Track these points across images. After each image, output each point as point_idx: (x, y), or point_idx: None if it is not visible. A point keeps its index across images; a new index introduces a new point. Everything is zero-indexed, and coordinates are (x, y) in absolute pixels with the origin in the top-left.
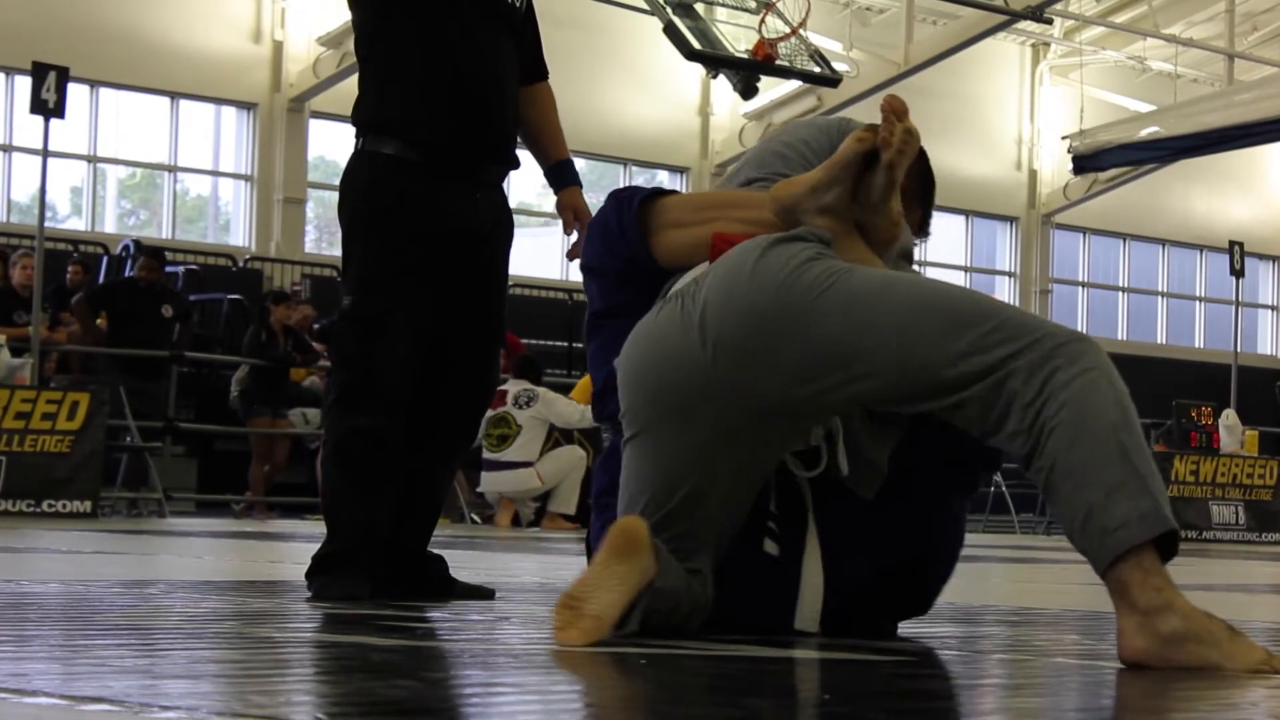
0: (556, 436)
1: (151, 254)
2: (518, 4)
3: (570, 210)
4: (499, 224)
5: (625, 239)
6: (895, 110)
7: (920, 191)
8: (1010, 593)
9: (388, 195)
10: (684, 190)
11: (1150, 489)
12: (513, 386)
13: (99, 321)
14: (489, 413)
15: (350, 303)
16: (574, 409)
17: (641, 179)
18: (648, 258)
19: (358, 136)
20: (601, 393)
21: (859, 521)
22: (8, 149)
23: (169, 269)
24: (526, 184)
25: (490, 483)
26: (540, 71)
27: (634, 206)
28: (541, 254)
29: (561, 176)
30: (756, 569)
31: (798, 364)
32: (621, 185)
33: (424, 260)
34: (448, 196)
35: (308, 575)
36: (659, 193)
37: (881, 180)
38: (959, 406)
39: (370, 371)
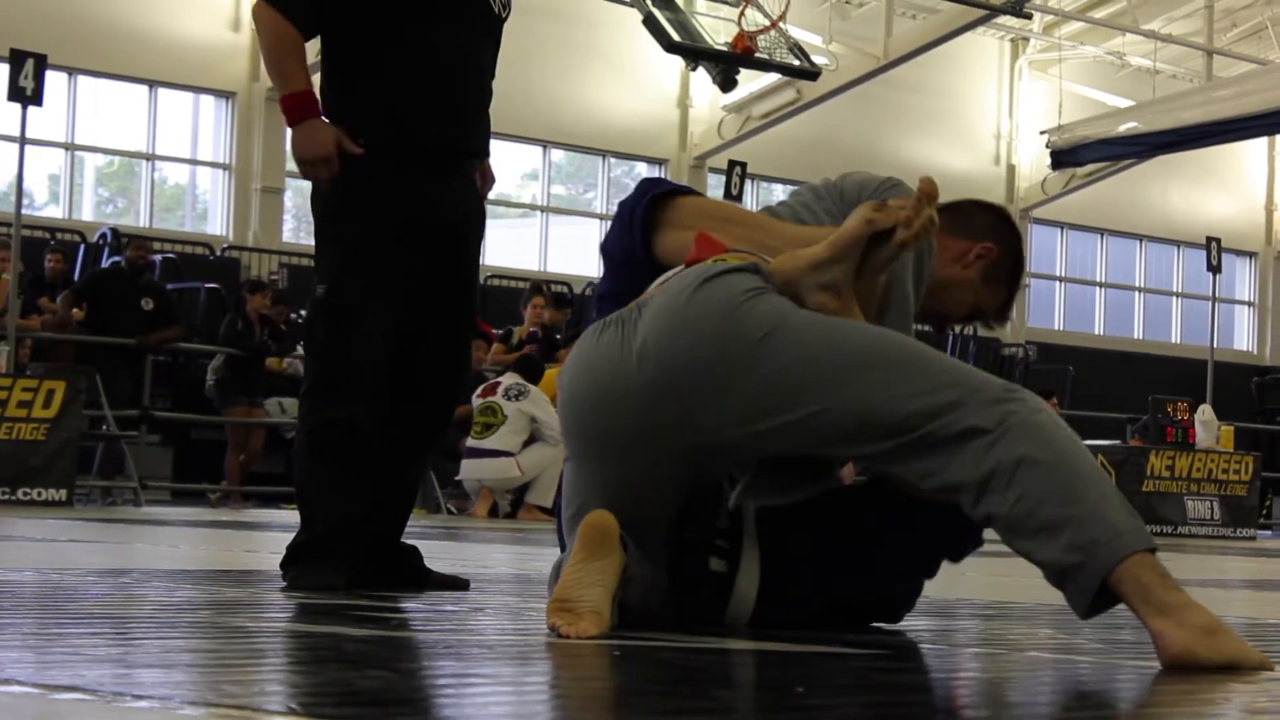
0: (535, 432)
1: (139, 240)
2: (504, 15)
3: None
4: (472, 216)
5: (630, 228)
6: (930, 195)
7: (1008, 276)
8: (984, 587)
9: (362, 185)
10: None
11: (1128, 509)
12: (507, 379)
13: (75, 311)
14: (477, 401)
15: (324, 292)
16: (559, 429)
17: (619, 171)
18: (643, 252)
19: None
20: None
21: (801, 542)
22: None
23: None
24: (503, 175)
25: (470, 470)
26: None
27: (646, 200)
28: (518, 244)
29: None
30: (703, 584)
31: (741, 406)
32: (600, 177)
33: (398, 251)
34: (423, 188)
35: (282, 565)
36: (679, 191)
37: (886, 256)
38: (909, 448)
39: (343, 361)
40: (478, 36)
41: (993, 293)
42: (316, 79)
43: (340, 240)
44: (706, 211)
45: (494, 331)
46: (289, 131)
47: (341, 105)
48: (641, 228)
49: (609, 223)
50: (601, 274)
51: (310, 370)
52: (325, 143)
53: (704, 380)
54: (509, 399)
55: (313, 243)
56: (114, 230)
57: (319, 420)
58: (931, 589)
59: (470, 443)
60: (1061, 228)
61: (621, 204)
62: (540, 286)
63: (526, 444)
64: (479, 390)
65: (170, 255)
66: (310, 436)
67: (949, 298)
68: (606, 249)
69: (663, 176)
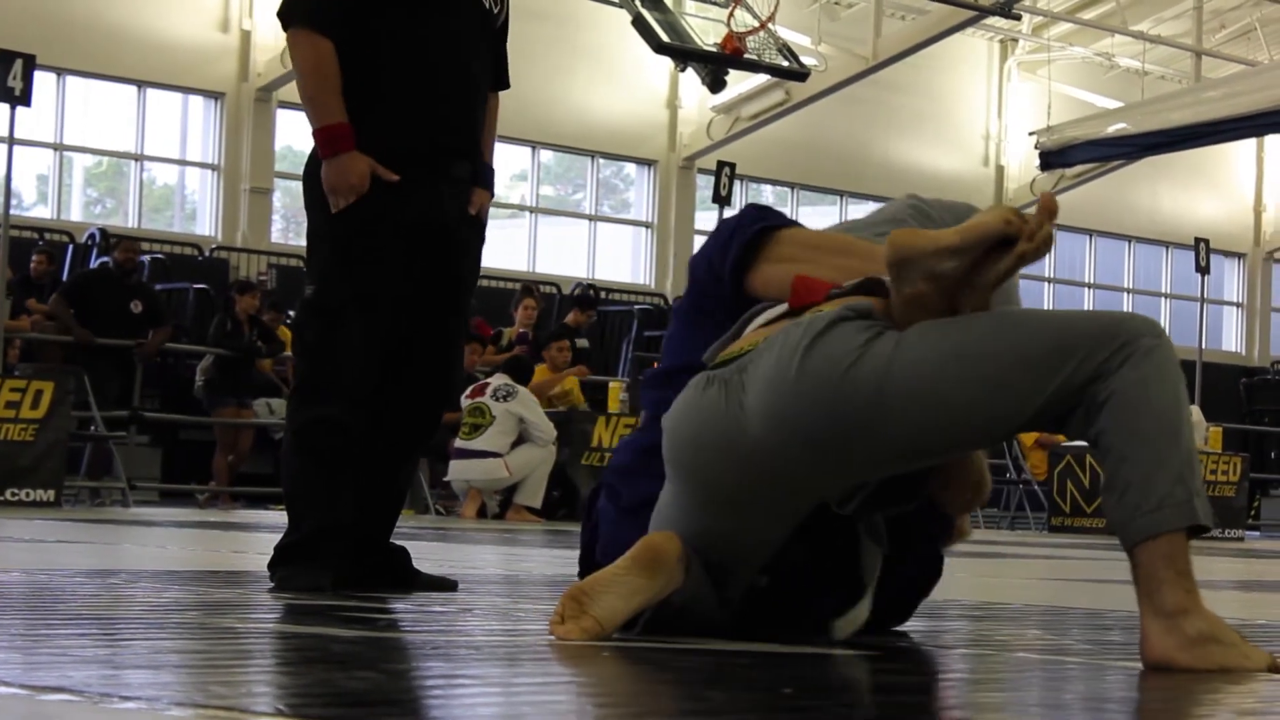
0: (524, 433)
1: (128, 240)
2: (496, 12)
3: (474, 206)
4: (464, 219)
5: (724, 254)
6: (1051, 212)
7: None
8: (973, 588)
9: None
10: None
11: (1186, 480)
12: (496, 379)
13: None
14: (466, 401)
15: (312, 292)
16: (547, 431)
17: (608, 171)
18: (730, 284)
19: None
20: (651, 380)
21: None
22: None
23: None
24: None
25: (458, 470)
26: (501, 83)
27: (755, 230)
28: (506, 245)
29: (478, 177)
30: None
31: (862, 463)
32: (588, 178)
33: (388, 251)
34: (413, 190)
35: (270, 566)
36: (785, 224)
37: (1005, 267)
38: (1026, 429)
39: (331, 362)
40: (469, 33)
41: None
42: None
43: (331, 241)
44: (810, 242)
45: (489, 329)
46: (278, 133)
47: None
48: (736, 261)
49: (598, 224)
50: (686, 288)
51: (299, 370)
52: (361, 175)
53: (826, 450)
54: (497, 400)
55: (301, 243)
56: (102, 231)
57: (306, 420)
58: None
59: (458, 443)
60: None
61: (723, 223)
62: (531, 288)
63: (515, 445)
64: (468, 391)
65: (159, 256)
66: (298, 436)
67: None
68: (694, 268)
69: (770, 206)
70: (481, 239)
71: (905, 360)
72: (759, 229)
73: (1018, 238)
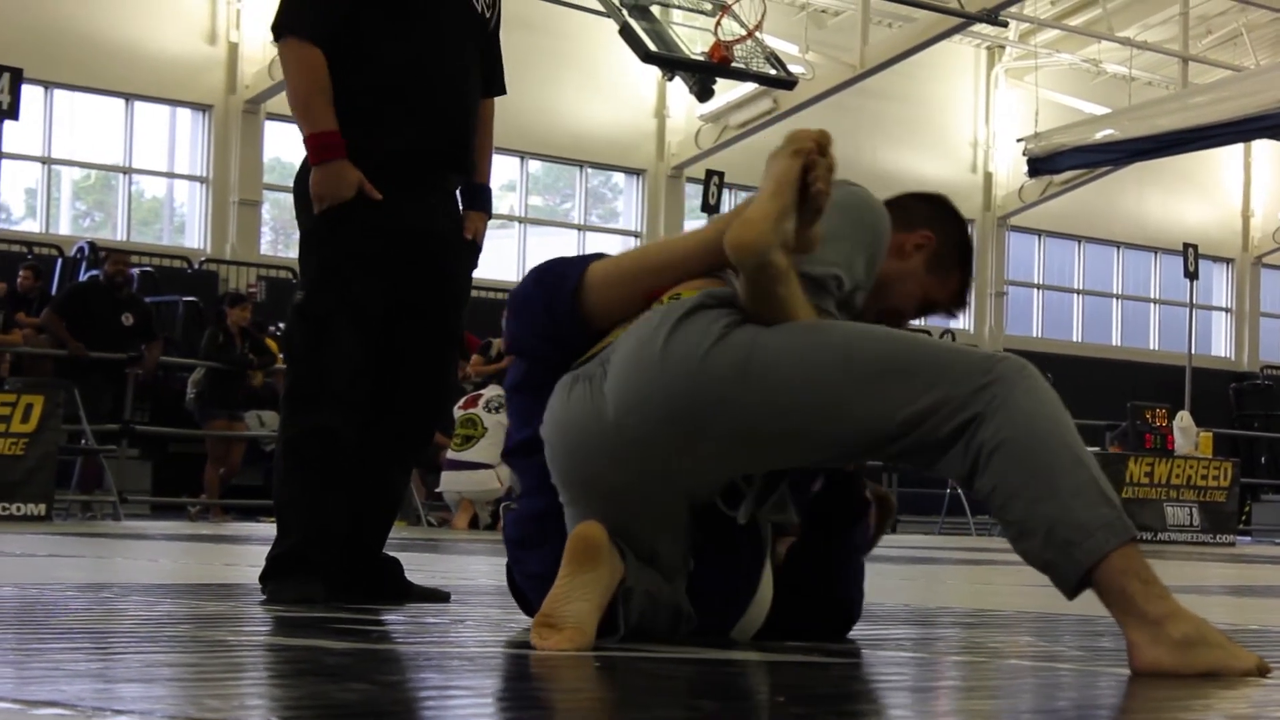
0: None
1: (118, 253)
2: (488, 15)
3: (470, 231)
4: (455, 229)
5: (554, 321)
6: (820, 141)
7: (955, 262)
8: (965, 595)
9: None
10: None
11: (1107, 496)
12: (489, 390)
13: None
14: (459, 412)
15: (301, 300)
16: None
17: (597, 181)
18: (578, 336)
19: None
20: (517, 452)
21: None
22: None
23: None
24: None
25: (450, 482)
26: (495, 88)
27: (566, 297)
28: (496, 255)
29: (474, 199)
30: (716, 595)
31: (723, 452)
32: (577, 188)
33: (377, 260)
34: (403, 199)
35: (261, 578)
36: (585, 268)
37: (814, 208)
38: (902, 453)
39: (321, 369)
40: (459, 42)
41: (941, 282)
42: None
43: (320, 249)
44: (624, 272)
45: (477, 341)
46: (266, 145)
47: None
48: (571, 321)
49: (587, 234)
50: (510, 368)
51: (289, 377)
52: (349, 184)
53: (687, 428)
54: (489, 411)
55: (291, 255)
56: (91, 244)
57: (297, 428)
58: (912, 598)
59: (450, 455)
60: (1039, 235)
61: (517, 299)
62: None
63: None
64: (460, 402)
65: (148, 269)
66: (288, 445)
67: (894, 292)
68: (514, 342)
69: (557, 257)
70: (475, 256)
71: (771, 344)
72: (571, 288)
73: (812, 166)
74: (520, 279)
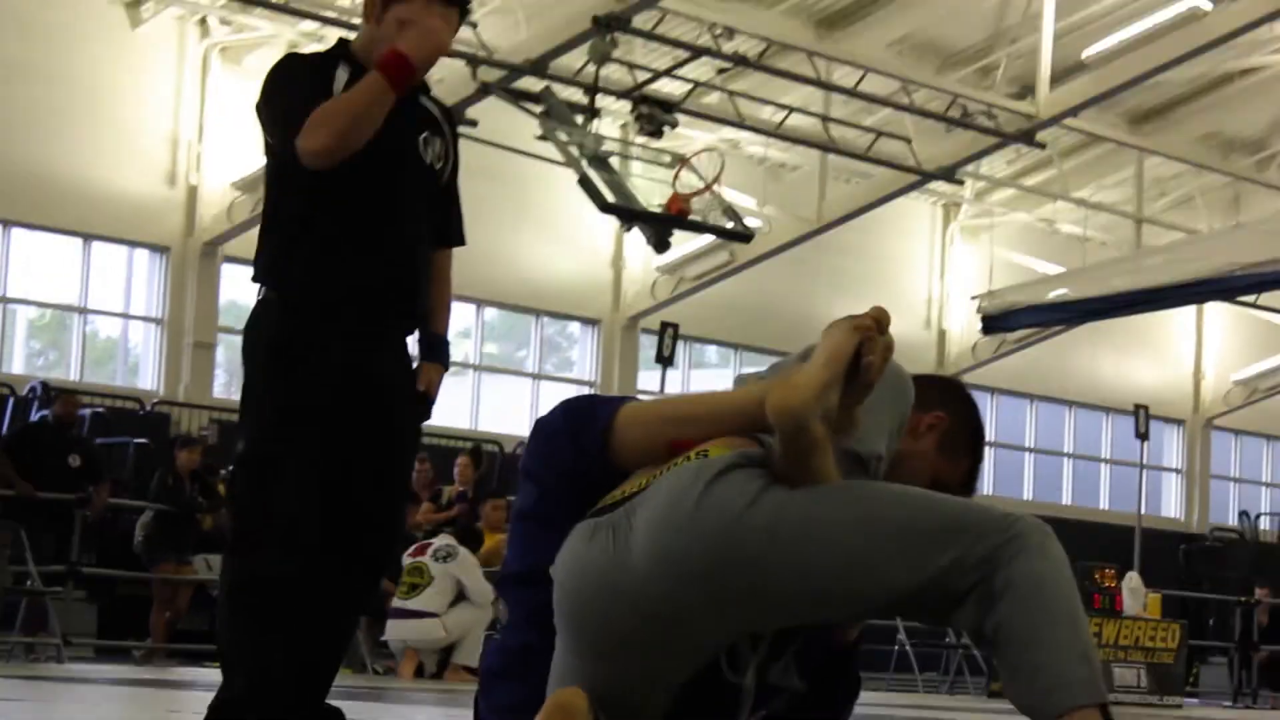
0: (463, 592)
1: (68, 394)
2: (439, 167)
3: (424, 383)
4: (401, 376)
5: (579, 455)
6: (880, 320)
7: (966, 445)
8: None
9: (289, 343)
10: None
11: (1089, 658)
12: (439, 540)
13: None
14: (406, 560)
15: (245, 446)
16: (486, 591)
17: (552, 330)
18: (601, 475)
19: (260, 285)
20: (510, 581)
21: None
22: None
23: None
24: None
25: (395, 630)
26: (454, 238)
27: (596, 435)
28: (450, 401)
29: (431, 350)
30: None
31: (748, 610)
32: (532, 336)
33: (323, 408)
34: (350, 347)
35: None
36: (618, 408)
37: (863, 383)
38: (917, 611)
39: (264, 516)
40: (410, 192)
41: (952, 464)
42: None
43: (265, 398)
44: (661, 416)
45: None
46: (223, 287)
47: (273, 268)
48: (603, 432)
49: (541, 382)
50: (523, 491)
51: (233, 525)
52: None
53: (717, 586)
54: (438, 560)
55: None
56: (44, 384)
57: (240, 575)
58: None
59: (396, 603)
60: (991, 393)
61: (541, 428)
62: (476, 449)
63: (452, 604)
64: (410, 550)
65: (100, 410)
66: (231, 592)
67: (904, 470)
68: (531, 470)
69: (587, 394)
70: (427, 408)
71: (801, 506)
72: (615, 406)
73: (869, 341)
74: (475, 426)
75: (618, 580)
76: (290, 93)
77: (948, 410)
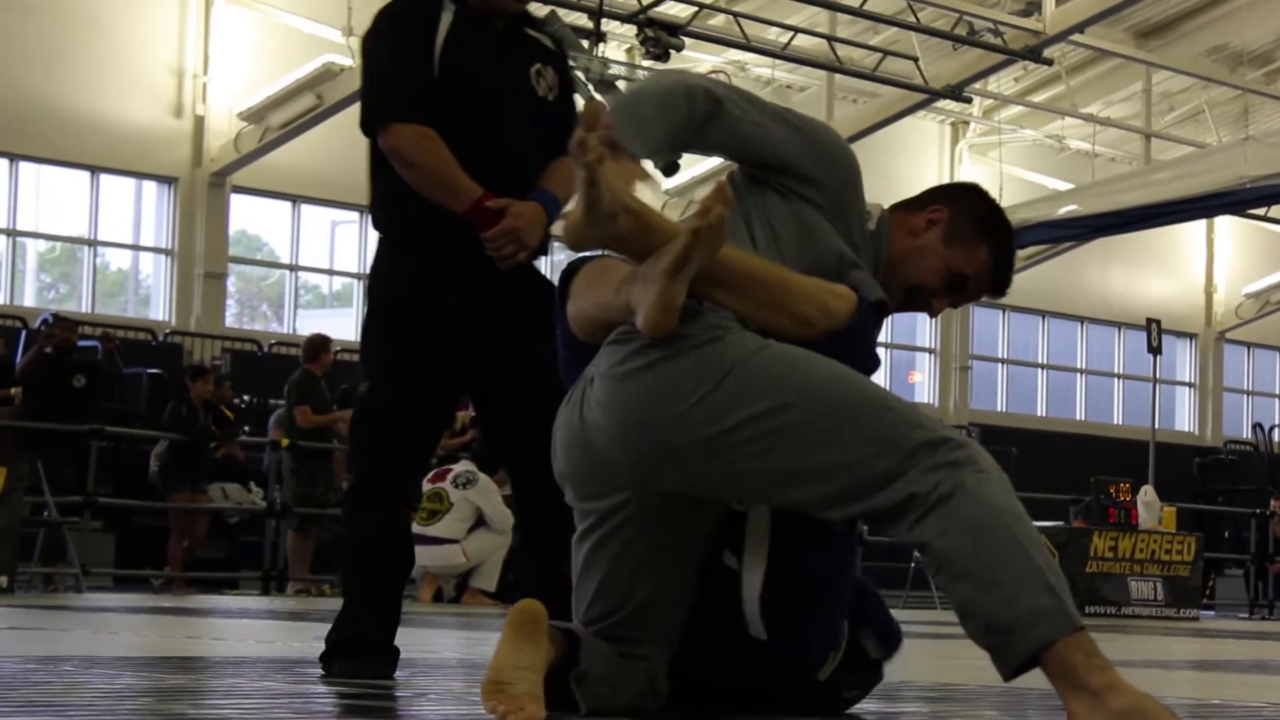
0: (482, 517)
1: (60, 319)
2: (551, 99)
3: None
4: (520, 309)
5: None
6: (722, 196)
7: (978, 232)
8: (929, 669)
9: (402, 289)
10: None
11: (1051, 586)
12: (459, 466)
13: (12, 391)
14: (426, 486)
15: (367, 391)
16: (505, 517)
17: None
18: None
19: (380, 230)
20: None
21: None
22: None
23: (88, 343)
24: None
25: (415, 557)
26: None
27: (560, 286)
28: None
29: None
30: (717, 581)
31: (691, 473)
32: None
33: (435, 356)
34: (463, 291)
35: (326, 657)
36: (579, 266)
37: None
38: (855, 513)
39: (384, 466)
40: (520, 130)
41: (965, 254)
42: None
43: (385, 339)
44: (588, 276)
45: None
46: (232, 217)
47: (382, 213)
48: (563, 306)
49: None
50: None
51: (353, 470)
52: (534, 218)
53: (656, 439)
54: (457, 487)
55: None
56: (55, 316)
57: (366, 526)
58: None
59: (415, 529)
60: (1003, 310)
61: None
62: None
63: (471, 529)
64: (429, 475)
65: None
66: (358, 540)
67: (913, 268)
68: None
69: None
70: (535, 332)
71: (759, 359)
72: (563, 278)
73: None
74: None
75: (579, 432)
76: (381, 54)
77: (946, 203)
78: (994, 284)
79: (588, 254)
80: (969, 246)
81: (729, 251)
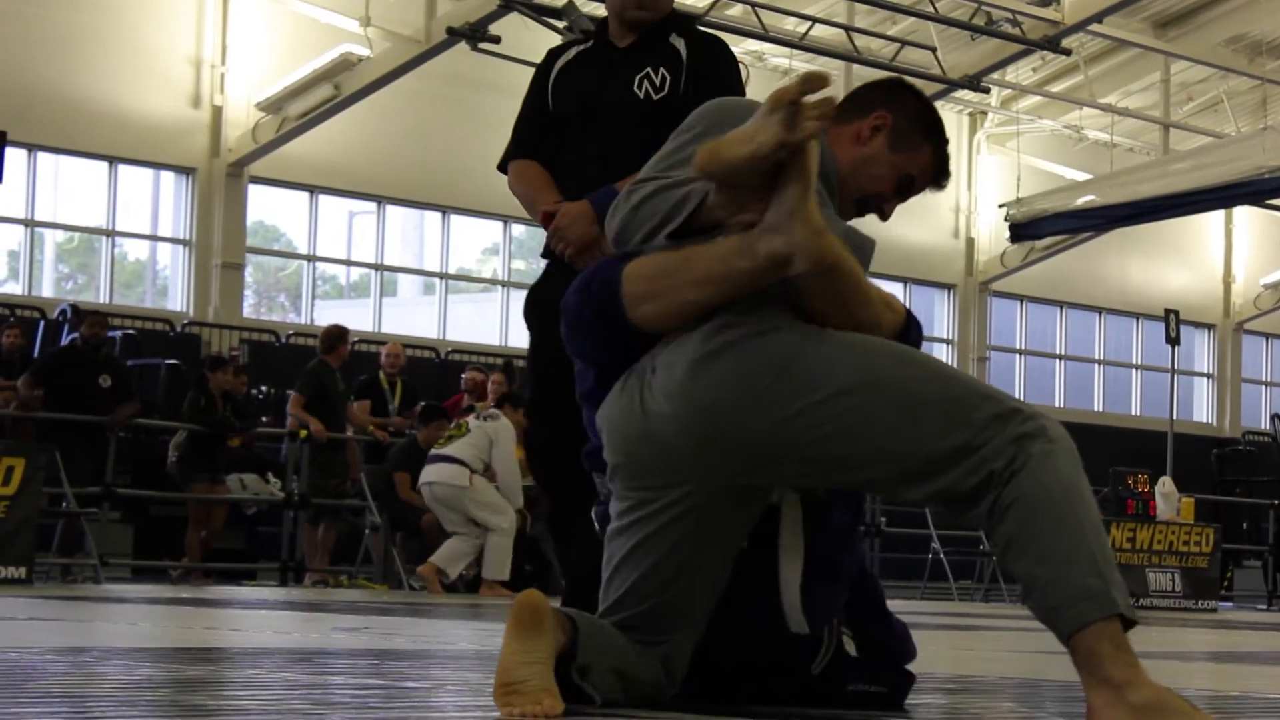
0: (488, 466)
1: (91, 313)
2: (657, 99)
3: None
4: None
5: (603, 320)
6: (815, 82)
7: (921, 134)
8: (947, 660)
9: (538, 295)
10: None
11: (1100, 569)
12: (485, 408)
13: (36, 392)
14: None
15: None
16: (514, 472)
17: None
18: (631, 329)
19: None
20: (591, 455)
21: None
22: None
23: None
24: (464, 250)
25: (426, 474)
26: None
27: (610, 295)
28: (479, 319)
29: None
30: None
31: (753, 440)
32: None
33: (556, 360)
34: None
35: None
36: (621, 268)
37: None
38: (928, 496)
39: (536, 466)
40: (612, 130)
41: (911, 157)
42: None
43: (531, 340)
44: (654, 272)
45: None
46: (250, 208)
47: None
48: (622, 314)
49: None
50: (578, 379)
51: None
52: (583, 220)
53: (721, 425)
54: (479, 418)
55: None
56: (74, 306)
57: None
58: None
59: (433, 451)
60: (1021, 300)
61: (569, 309)
62: (508, 366)
63: (483, 472)
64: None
65: (130, 331)
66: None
67: (864, 177)
68: (581, 352)
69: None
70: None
71: (823, 346)
72: (611, 290)
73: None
74: (504, 342)
75: (641, 424)
76: (524, 103)
77: (888, 107)
78: (936, 181)
79: (596, 265)
80: (914, 148)
81: (839, 244)
